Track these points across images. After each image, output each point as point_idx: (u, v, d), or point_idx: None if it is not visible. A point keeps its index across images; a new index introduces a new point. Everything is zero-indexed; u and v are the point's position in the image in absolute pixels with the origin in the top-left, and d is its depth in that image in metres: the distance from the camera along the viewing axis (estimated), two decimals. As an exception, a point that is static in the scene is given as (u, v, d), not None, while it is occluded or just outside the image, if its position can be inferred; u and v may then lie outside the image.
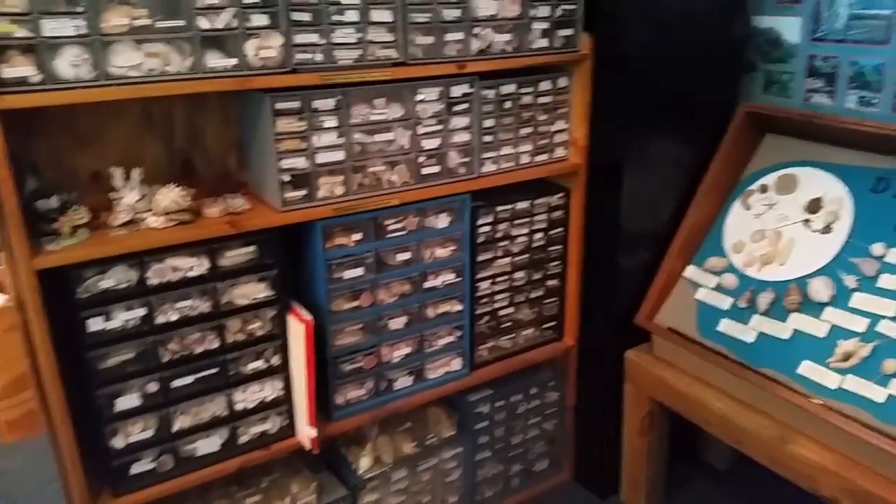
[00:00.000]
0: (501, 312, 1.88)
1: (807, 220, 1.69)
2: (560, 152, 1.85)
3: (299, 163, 1.46)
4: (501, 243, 1.82)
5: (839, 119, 1.66)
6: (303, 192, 1.48)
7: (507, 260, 1.84)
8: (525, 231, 1.85)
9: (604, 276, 1.91)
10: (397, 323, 1.69)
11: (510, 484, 2.03)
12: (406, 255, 1.65)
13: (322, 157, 1.48)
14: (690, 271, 1.82)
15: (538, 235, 1.89)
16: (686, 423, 1.74)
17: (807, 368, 1.50)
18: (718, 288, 1.74)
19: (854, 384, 1.42)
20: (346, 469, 1.75)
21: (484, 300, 1.83)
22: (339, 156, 1.51)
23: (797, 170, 1.76)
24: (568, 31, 1.72)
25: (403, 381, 1.74)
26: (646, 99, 1.75)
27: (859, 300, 1.51)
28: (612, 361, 1.91)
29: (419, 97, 1.55)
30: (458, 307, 1.77)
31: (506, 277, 1.86)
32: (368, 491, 1.75)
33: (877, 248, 1.53)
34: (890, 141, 1.56)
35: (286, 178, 1.46)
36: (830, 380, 1.46)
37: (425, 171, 1.62)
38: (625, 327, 1.87)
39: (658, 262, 1.85)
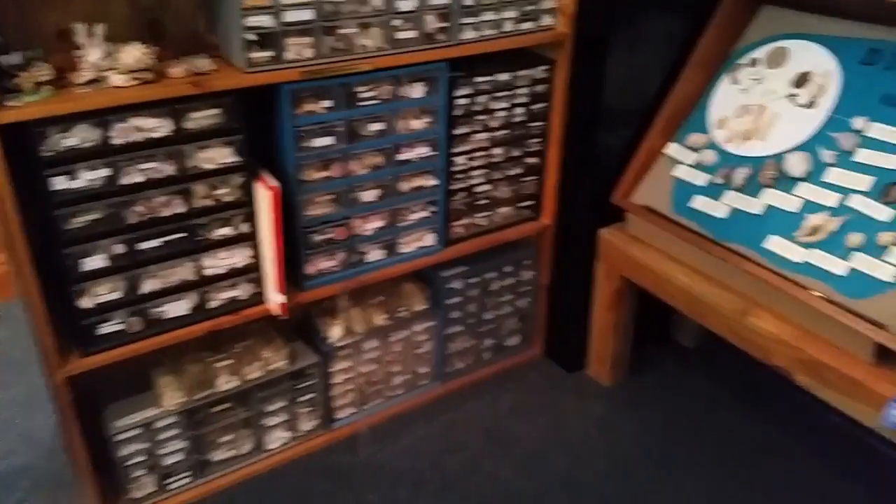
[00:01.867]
0: (478, 189, 1.86)
1: (792, 95, 1.63)
2: (547, 20, 1.77)
3: (265, 21, 1.40)
4: (480, 117, 1.77)
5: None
6: (269, 54, 1.43)
7: (486, 135, 1.80)
8: (505, 105, 1.80)
9: (584, 155, 1.88)
10: (369, 195, 1.67)
11: (481, 357, 2.08)
12: (379, 126, 1.62)
13: (290, 16, 1.42)
14: (671, 148, 1.78)
15: (519, 110, 1.84)
16: (659, 305, 1.76)
17: (773, 243, 1.50)
18: (697, 165, 1.72)
19: (818, 258, 1.42)
20: (318, 338, 1.79)
21: (460, 176, 1.81)
22: (307, 14, 1.44)
23: (789, 42, 1.68)
24: None
25: (375, 255, 1.75)
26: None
27: (834, 175, 1.48)
28: (588, 240, 1.91)
29: (393, -48, 1.47)
30: (433, 182, 1.75)
31: (483, 153, 1.83)
32: (340, 359, 1.80)
33: (858, 122, 1.49)
34: (887, 8, 1.48)
35: (251, 37, 1.40)
36: (795, 253, 1.45)
37: (400, 35, 1.56)
38: (603, 206, 1.86)
39: (641, 140, 1.80)
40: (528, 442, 1.86)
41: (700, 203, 1.66)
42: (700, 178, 1.69)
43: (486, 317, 2.03)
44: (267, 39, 1.42)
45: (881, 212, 1.38)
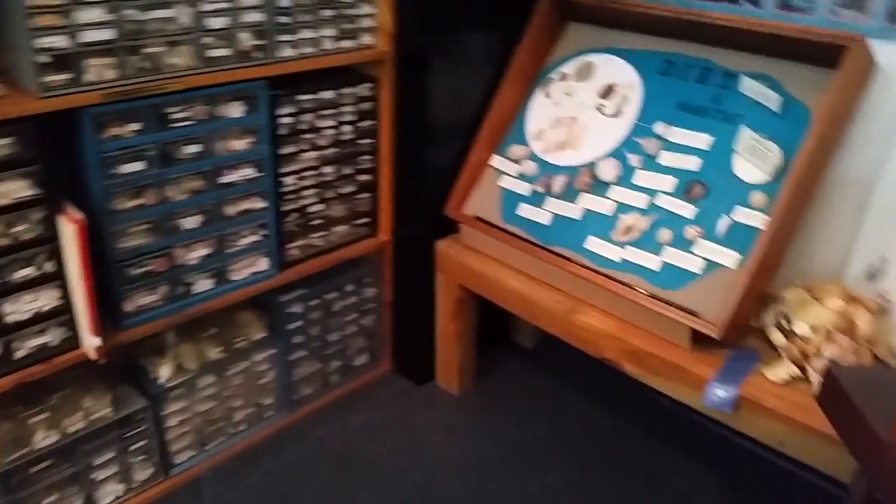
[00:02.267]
0: (311, 209, 1.82)
1: (600, 106, 1.74)
2: (367, 39, 1.77)
3: (60, 42, 1.29)
4: (307, 136, 1.73)
5: (633, 4, 1.70)
6: (66, 76, 1.31)
7: (315, 154, 1.77)
8: (332, 123, 1.77)
9: (416, 170, 1.90)
10: (191, 222, 1.58)
11: (329, 380, 2.03)
12: (196, 148, 1.53)
13: (87, 36, 1.31)
14: (496, 160, 1.84)
15: (347, 128, 1.82)
16: (498, 310, 1.80)
17: (593, 243, 1.58)
18: (520, 175, 1.78)
19: (633, 255, 1.52)
20: (146, 380, 1.66)
21: (291, 196, 1.76)
22: (108, 34, 1.34)
23: (595, 57, 1.80)
24: None
25: (203, 284, 1.65)
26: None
27: (642, 178, 1.59)
28: (426, 253, 1.92)
29: (198, -33, 1.40)
30: (261, 204, 1.69)
31: (314, 172, 1.79)
32: (172, 400, 1.68)
33: (659, 128, 1.61)
34: (676, 24, 1.62)
35: (44, 59, 1.28)
36: (613, 252, 1.55)
37: (213, 53, 1.49)
38: (438, 219, 1.88)
39: (469, 153, 1.85)
40: (382, 462, 1.84)
41: (525, 211, 1.72)
42: (523, 188, 1.76)
43: (331, 338, 1.99)
44: (63, 61, 1.30)
45: (685, 209, 1.50)
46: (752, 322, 1.46)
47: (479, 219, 1.80)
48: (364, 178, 1.91)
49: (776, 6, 1.52)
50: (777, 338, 1.37)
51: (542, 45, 1.87)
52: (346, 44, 1.73)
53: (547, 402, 2.05)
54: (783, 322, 1.38)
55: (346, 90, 1.78)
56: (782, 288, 1.46)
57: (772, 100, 1.46)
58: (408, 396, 2.07)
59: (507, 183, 1.79)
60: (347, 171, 1.87)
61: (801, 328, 1.32)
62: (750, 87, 1.50)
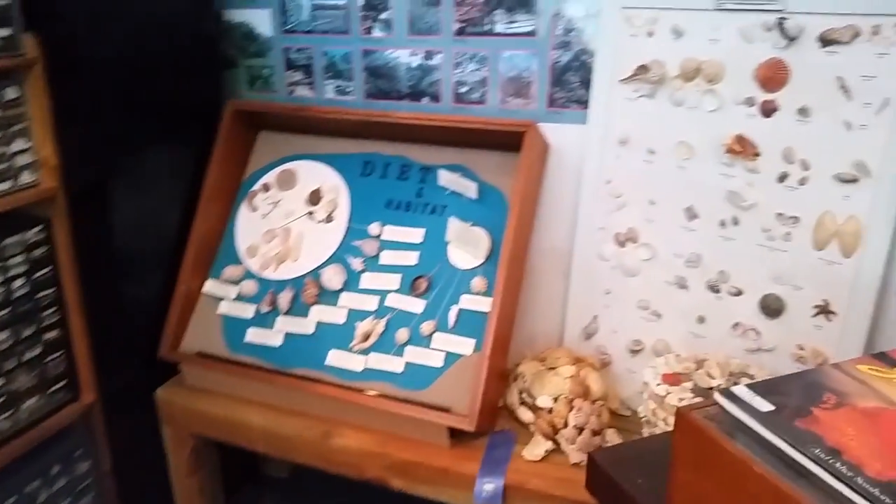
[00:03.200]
0: (-14, 387, 1.47)
1: (310, 213, 1.69)
2: (27, 177, 1.51)
3: None
4: (-35, 303, 1.41)
5: (322, 110, 1.69)
6: None
7: (-20, 321, 1.44)
8: (-1, 279, 1.47)
9: (114, 313, 1.65)
10: None
11: (46, 590, 1.64)
12: None
13: None
14: (209, 286, 1.69)
15: (18, 283, 1.52)
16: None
17: (334, 357, 1.51)
18: (240, 297, 1.65)
19: (376, 361, 1.47)
20: None
21: (-47, 378, 1.41)
22: None
23: (295, 164, 1.75)
24: (5, 31, 1.39)
25: None
26: (119, 106, 1.53)
27: (367, 280, 1.56)
28: (146, 405, 1.67)
29: None
30: (-89, 399, 1.32)
31: (-17, 343, 1.46)
32: None
33: (374, 228, 1.60)
34: (367, 126, 1.64)
35: None
36: (356, 363, 1.48)
37: None
38: (153, 364, 1.65)
39: (176, 284, 1.66)
40: None
41: (254, 335, 1.59)
42: (247, 311, 1.63)
43: (40, 537, 1.61)
44: None
45: (415, 304, 1.49)
46: (500, 403, 1.48)
47: (202, 354, 1.62)
48: (51, 335, 1.61)
49: (453, 101, 1.61)
50: (525, 415, 1.41)
51: (235, 157, 1.78)
52: (3, 186, 1.46)
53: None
54: (526, 398, 1.42)
55: (10, 239, 1.49)
56: (517, 363, 1.51)
57: (469, 188, 1.53)
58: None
59: (226, 309, 1.65)
60: (28, 332, 1.56)
61: (543, 401, 1.37)
62: (447, 178, 1.56)
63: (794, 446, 0.64)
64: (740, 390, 0.72)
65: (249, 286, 1.66)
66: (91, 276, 1.62)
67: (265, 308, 1.61)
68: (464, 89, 1.60)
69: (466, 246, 1.50)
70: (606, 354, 1.53)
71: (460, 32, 1.56)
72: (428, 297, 1.51)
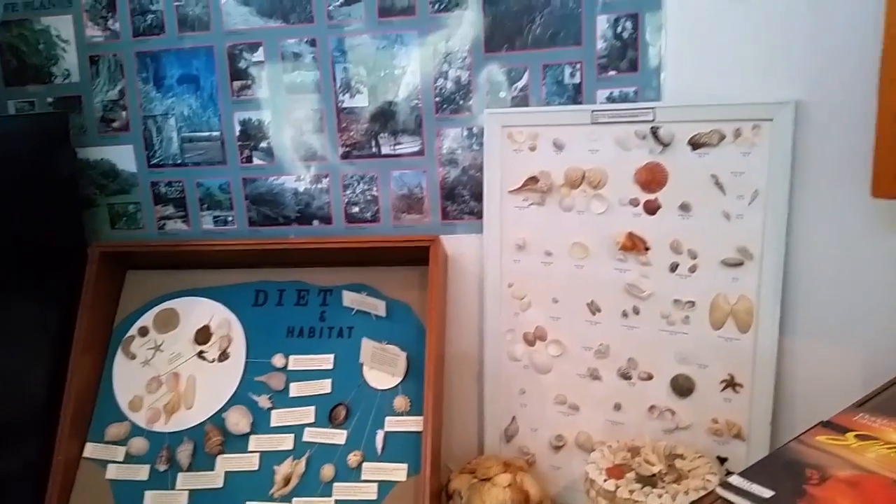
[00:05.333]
0: None
1: (201, 353, 1.57)
2: None
3: None
4: None
5: (200, 242, 1.61)
6: None
7: None
8: None
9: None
10: None
11: None
12: None
13: None
14: (90, 449, 1.50)
15: None
16: None
17: (255, 510, 1.38)
18: (130, 458, 1.48)
19: (305, 506, 1.37)
20: None
21: None
22: None
23: (174, 302, 1.63)
24: None
25: None
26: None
27: (278, 417, 1.47)
28: None
29: None
30: None
31: None
32: None
33: (277, 360, 1.52)
34: (255, 255, 1.58)
35: None
36: (279, 511, 1.37)
37: None
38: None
39: (52, 452, 1.45)
40: None
41: (153, 500, 1.43)
42: (140, 472, 1.46)
43: None
44: None
45: (336, 436, 1.43)
46: (438, 525, 1.43)
47: (90, 532, 1.42)
48: None
49: (345, 221, 1.61)
50: (469, 533, 1.37)
51: (104, 301, 1.63)
52: None
53: None
54: (467, 514, 1.38)
55: None
56: (446, 479, 1.47)
57: (377, 306, 1.52)
58: None
59: (116, 472, 1.47)
60: None
61: (479, 515, 1.34)
62: (352, 298, 1.54)
63: (807, 526, 0.69)
64: (737, 480, 0.76)
65: (139, 444, 1.49)
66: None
67: (162, 466, 1.46)
68: (355, 209, 1.60)
69: (383, 366, 1.47)
70: (529, 454, 1.54)
71: (346, 156, 1.58)
72: (349, 425, 1.44)
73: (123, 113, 1.65)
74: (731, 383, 1.34)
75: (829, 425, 0.88)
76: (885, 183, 1.10)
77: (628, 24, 1.40)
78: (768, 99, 1.26)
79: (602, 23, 1.41)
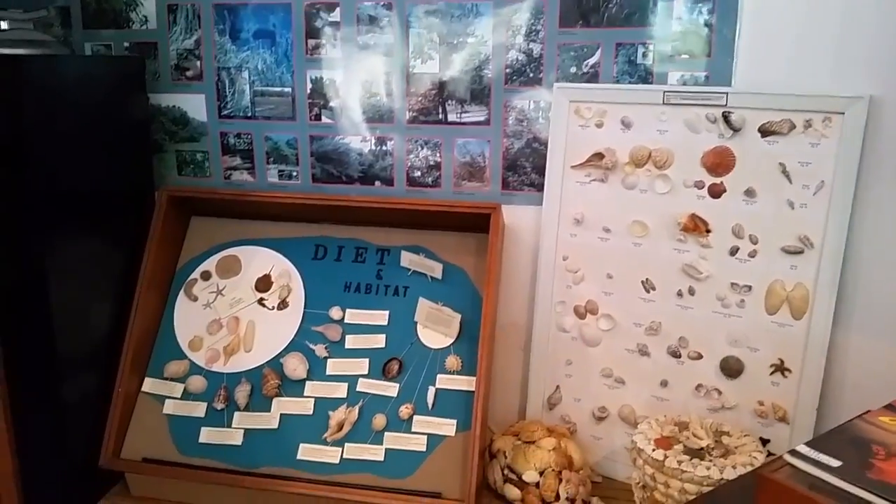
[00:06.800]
0: None
1: (261, 300, 1.63)
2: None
3: None
4: None
5: (264, 194, 1.65)
6: None
7: None
8: None
9: (43, 421, 1.47)
10: None
11: None
12: None
13: None
14: (149, 385, 1.56)
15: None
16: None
17: (306, 451, 1.44)
18: (187, 395, 1.54)
19: (355, 451, 1.43)
20: None
21: None
22: None
23: (236, 249, 1.69)
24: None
25: None
26: (48, 196, 1.41)
27: (334, 366, 1.52)
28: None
29: None
30: None
31: None
32: None
33: (334, 312, 1.57)
34: (317, 210, 1.63)
35: None
36: (332, 455, 1.43)
37: None
38: (93, 475, 1.48)
39: (113, 386, 1.52)
40: None
41: (209, 435, 1.49)
42: (197, 409, 1.52)
43: None
44: None
45: (389, 388, 1.48)
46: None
47: (149, 460, 1.49)
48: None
49: (406, 185, 1.65)
50: (511, 492, 1.42)
51: (169, 244, 1.68)
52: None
53: None
54: (509, 474, 1.43)
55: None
56: (489, 440, 1.52)
57: (434, 268, 1.56)
58: None
59: (173, 408, 1.53)
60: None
61: (530, 476, 1.39)
62: (410, 259, 1.58)
63: (876, 494, 0.72)
64: (805, 450, 0.80)
65: (197, 382, 1.55)
66: (22, 380, 1.44)
67: (219, 405, 1.52)
68: (417, 174, 1.64)
69: (437, 325, 1.51)
70: (571, 423, 1.59)
71: (413, 121, 1.61)
72: (401, 379, 1.49)
73: (198, 63, 1.69)
74: (780, 368, 1.37)
75: (891, 408, 0.91)
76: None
77: (704, 9, 1.41)
78: (841, 92, 1.27)
79: (679, 5, 1.42)
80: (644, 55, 1.46)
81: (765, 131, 1.33)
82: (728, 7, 1.38)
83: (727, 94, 1.36)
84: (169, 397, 1.55)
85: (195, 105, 1.72)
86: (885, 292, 1.30)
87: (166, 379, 1.57)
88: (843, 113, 1.26)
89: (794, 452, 0.80)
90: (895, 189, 1.27)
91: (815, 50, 1.31)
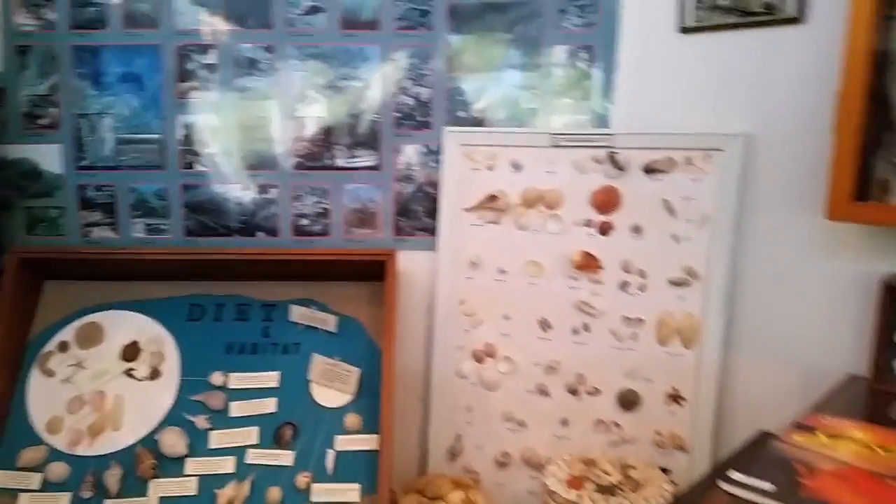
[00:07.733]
0: None
1: (129, 371, 1.47)
2: None
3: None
4: None
5: (129, 251, 1.51)
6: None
7: None
8: None
9: None
10: None
11: None
12: None
13: None
14: (1, 478, 1.34)
15: None
16: None
17: (195, 537, 1.29)
18: (48, 485, 1.34)
19: (250, 530, 1.29)
20: None
21: None
22: None
23: (98, 315, 1.52)
24: None
25: None
26: None
27: (218, 438, 1.39)
28: None
29: None
30: None
31: None
32: None
33: (216, 378, 1.45)
34: (191, 266, 1.50)
35: None
36: (224, 537, 1.28)
37: None
38: None
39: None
40: None
41: (75, 530, 1.29)
42: (61, 501, 1.33)
43: None
44: None
45: (283, 457, 1.37)
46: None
47: (-1, 569, 1.27)
48: None
49: (292, 234, 1.57)
50: (424, 552, 1.34)
51: (19, 313, 1.49)
52: None
53: None
54: (420, 534, 1.36)
55: None
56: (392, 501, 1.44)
57: (327, 321, 1.48)
58: None
59: (30, 502, 1.32)
60: None
61: (442, 534, 1.32)
62: (300, 313, 1.49)
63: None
64: (737, 476, 0.80)
65: (58, 469, 1.37)
66: None
67: (87, 493, 1.34)
68: (304, 222, 1.57)
69: (334, 383, 1.43)
70: (474, 472, 1.54)
71: (299, 167, 1.54)
72: (296, 446, 1.39)
73: (53, 110, 1.53)
74: (675, 397, 1.40)
75: (799, 427, 0.95)
76: (839, 206, 1.15)
77: (584, 56, 1.47)
78: (719, 130, 1.35)
79: (560, 52, 1.47)
80: (529, 99, 1.49)
81: (649, 169, 1.39)
82: (607, 53, 1.45)
83: (613, 135, 1.40)
84: (25, 490, 1.34)
85: (49, 156, 1.55)
86: (771, 315, 1.36)
87: (20, 469, 1.36)
88: (722, 150, 1.34)
89: (728, 480, 0.80)
90: (773, 218, 1.34)
91: (694, 91, 1.39)
